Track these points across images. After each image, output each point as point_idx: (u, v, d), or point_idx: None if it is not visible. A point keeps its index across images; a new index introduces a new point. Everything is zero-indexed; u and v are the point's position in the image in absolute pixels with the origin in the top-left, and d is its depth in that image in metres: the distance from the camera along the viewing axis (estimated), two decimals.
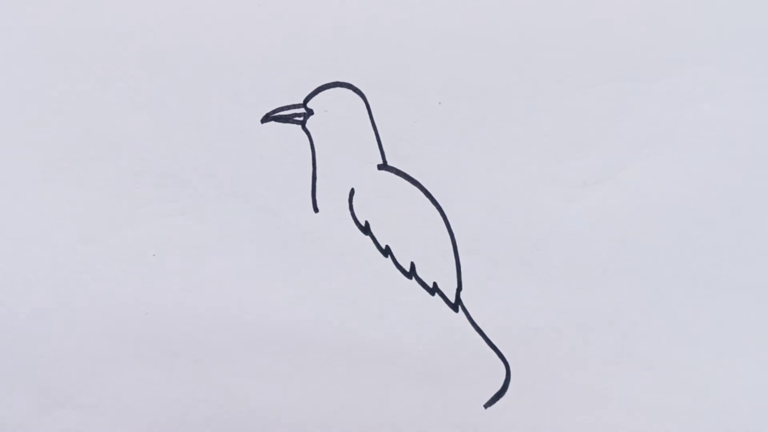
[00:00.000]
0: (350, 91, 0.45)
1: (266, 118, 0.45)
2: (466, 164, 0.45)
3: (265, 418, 0.45)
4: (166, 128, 0.46)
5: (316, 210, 0.45)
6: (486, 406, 0.44)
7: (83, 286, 0.46)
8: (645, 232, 0.44)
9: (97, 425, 0.46)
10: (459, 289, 0.45)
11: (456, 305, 0.45)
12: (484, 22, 0.45)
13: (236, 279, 0.45)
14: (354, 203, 0.45)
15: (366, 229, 0.45)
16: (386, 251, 0.45)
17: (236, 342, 0.45)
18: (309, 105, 0.45)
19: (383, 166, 0.45)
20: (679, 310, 0.44)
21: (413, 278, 0.45)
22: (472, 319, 0.45)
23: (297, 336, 0.45)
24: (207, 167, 0.46)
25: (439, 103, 0.45)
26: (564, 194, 0.44)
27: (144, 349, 0.45)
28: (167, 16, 0.45)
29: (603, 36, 0.44)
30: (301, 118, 0.45)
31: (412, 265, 0.45)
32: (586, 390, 0.44)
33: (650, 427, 0.44)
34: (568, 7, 0.44)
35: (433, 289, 0.45)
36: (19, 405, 0.46)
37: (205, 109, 0.45)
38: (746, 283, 0.43)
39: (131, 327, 0.45)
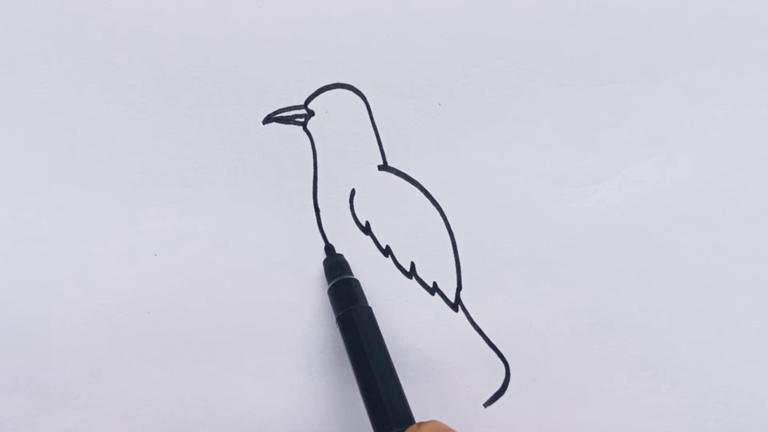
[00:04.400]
0: (351, 93, 0.46)
1: (267, 120, 0.46)
2: (466, 165, 0.45)
3: (265, 417, 0.45)
4: (168, 129, 0.46)
5: (316, 210, 0.45)
6: (486, 405, 0.44)
7: (85, 285, 0.46)
8: (645, 232, 0.44)
9: (97, 425, 0.45)
10: (459, 289, 0.45)
11: (456, 305, 0.45)
12: (485, 23, 0.45)
13: (236, 279, 0.45)
14: (354, 203, 0.45)
15: (366, 229, 0.45)
16: (386, 251, 0.45)
17: (237, 341, 0.45)
18: (310, 106, 0.45)
19: (384, 167, 0.46)
20: (679, 310, 0.44)
21: (413, 278, 0.45)
22: (472, 319, 0.45)
23: (297, 335, 0.45)
24: (209, 168, 0.46)
25: (439, 104, 0.45)
26: (564, 194, 0.45)
27: (145, 348, 0.45)
28: (168, 18, 0.45)
29: (603, 37, 0.44)
30: (302, 120, 0.46)
31: (412, 265, 0.45)
32: (585, 390, 0.44)
33: (650, 427, 0.43)
34: (568, 8, 0.44)
35: (433, 289, 0.45)
36: (19, 405, 0.46)
37: (206, 111, 0.46)
38: (746, 283, 0.43)
39: (132, 326, 0.45)
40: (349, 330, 0.42)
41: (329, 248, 0.45)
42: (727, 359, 0.43)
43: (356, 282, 0.44)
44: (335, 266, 0.44)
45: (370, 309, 0.43)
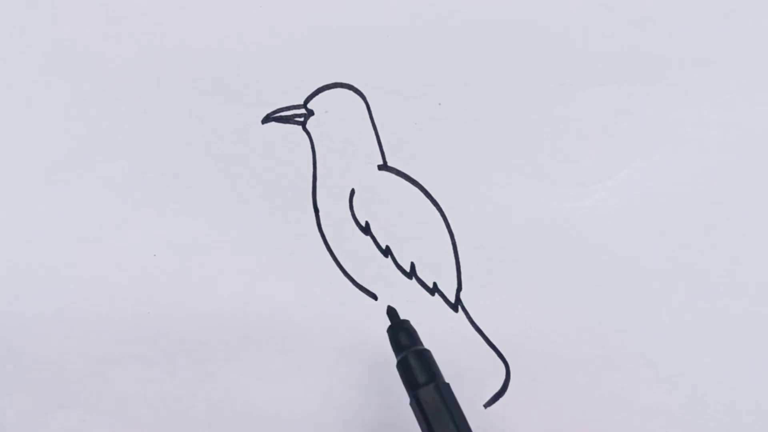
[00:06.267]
0: (351, 92, 0.46)
1: (267, 119, 0.46)
2: (466, 164, 0.45)
3: (265, 417, 0.45)
4: (168, 129, 0.46)
5: (316, 210, 0.45)
6: (486, 406, 0.44)
7: (84, 285, 0.46)
8: (645, 232, 0.44)
9: (97, 425, 0.45)
10: (459, 289, 0.45)
11: (456, 305, 0.45)
12: (485, 23, 0.45)
13: (237, 279, 0.45)
14: (354, 203, 0.45)
15: (366, 229, 0.45)
16: (386, 251, 0.45)
17: (237, 341, 0.45)
18: (309, 106, 0.45)
19: (383, 167, 0.45)
20: (679, 310, 0.44)
21: (413, 278, 0.45)
22: (472, 319, 0.45)
23: (297, 336, 0.45)
24: (208, 168, 0.46)
25: (439, 104, 0.45)
26: (564, 194, 0.45)
27: (145, 348, 0.45)
28: (169, 17, 0.45)
29: (603, 37, 0.44)
30: (302, 119, 0.46)
31: (412, 265, 0.45)
32: (586, 390, 0.44)
33: (650, 427, 0.44)
34: (568, 8, 0.44)
35: (433, 289, 0.45)
36: (19, 405, 0.46)
37: (206, 110, 0.46)
38: (746, 283, 0.43)
39: (132, 326, 0.45)
40: (430, 408, 0.36)
41: (392, 312, 0.41)
42: (727, 359, 0.43)
43: (429, 353, 0.39)
44: (405, 336, 0.39)
45: (448, 385, 0.38)
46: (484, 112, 0.45)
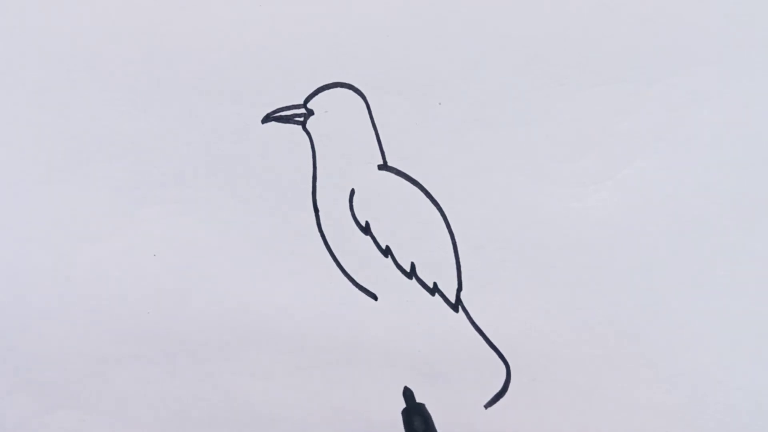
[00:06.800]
0: (351, 92, 0.46)
1: (267, 119, 0.46)
2: (466, 164, 0.45)
3: (265, 417, 0.45)
4: (168, 129, 0.46)
5: (316, 210, 0.45)
6: (486, 406, 0.44)
7: (84, 286, 0.46)
8: (645, 232, 0.44)
9: (97, 425, 0.46)
10: (459, 289, 0.45)
11: (456, 305, 0.45)
12: (485, 23, 0.45)
13: (236, 279, 0.45)
14: (354, 203, 0.45)
15: (366, 229, 0.45)
16: (386, 251, 0.45)
17: (237, 341, 0.45)
18: (309, 105, 0.45)
19: (383, 167, 0.45)
20: (679, 310, 0.44)
21: (413, 278, 0.45)
22: (472, 319, 0.45)
23: (297, 336, 0.45)
24: (208, 167, 0.46)
25: (439, 103, 0.45)
26: (564, 195, 0.45)
27: (145, 348, 0.45)
28: (168, 17, 0.45)
29: (603, 37, 0.44)
30: (302, 119, 0.46)
31: (412, 265, 0.45)
32: (586, 390, 0.44)
33: (650, 427, 0.44)
34: (568, 7, 0.44)
35: (433, 289, 0.45)
36: (19, 405, 0.46)
37: (205, 110, 0.46)
38: (746, 283, 0.43)
39: (132, 327, 0.45)
40: None
41: (408, 394, 0.42)
42: (727, 359, 0.43)
43: None
44: (420, 423, 0.40)
45: None
46: (484, 112, 0.45)
